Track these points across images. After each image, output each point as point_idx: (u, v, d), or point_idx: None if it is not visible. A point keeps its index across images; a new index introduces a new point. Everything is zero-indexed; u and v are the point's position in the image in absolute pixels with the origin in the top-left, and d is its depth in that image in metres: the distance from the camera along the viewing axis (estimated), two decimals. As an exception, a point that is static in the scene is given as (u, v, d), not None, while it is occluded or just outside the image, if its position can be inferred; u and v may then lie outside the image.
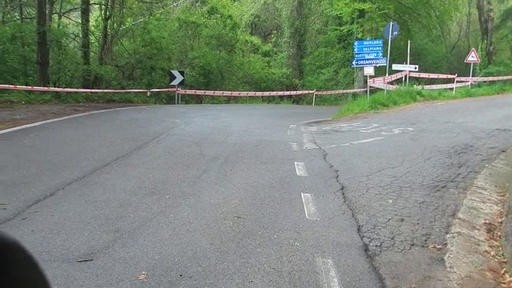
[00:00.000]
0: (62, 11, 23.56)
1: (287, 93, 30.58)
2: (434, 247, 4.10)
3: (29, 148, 7.78)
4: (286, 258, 3.79)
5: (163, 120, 12.90)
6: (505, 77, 27.75)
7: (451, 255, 3.90)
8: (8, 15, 21.90)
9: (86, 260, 3.61)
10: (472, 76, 26.36)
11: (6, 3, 20.87)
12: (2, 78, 16.92)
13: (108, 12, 22.00)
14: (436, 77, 27.77)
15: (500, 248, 4.15)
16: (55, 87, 18.41)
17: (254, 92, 28.89)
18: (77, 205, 4.92)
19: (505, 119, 12.62)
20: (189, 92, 24.76)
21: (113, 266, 3.55)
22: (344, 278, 3.48)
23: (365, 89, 22.51)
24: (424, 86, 24.27)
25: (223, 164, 7.30)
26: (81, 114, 13.02)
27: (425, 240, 4.25)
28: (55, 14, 22.47)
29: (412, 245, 4.15)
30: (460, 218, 4.80)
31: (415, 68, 23.93)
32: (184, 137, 9.90)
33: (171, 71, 23.49)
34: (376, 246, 4.10)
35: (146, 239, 4.08)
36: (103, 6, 22.76)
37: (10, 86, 15.63)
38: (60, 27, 22.11)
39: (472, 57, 24.76)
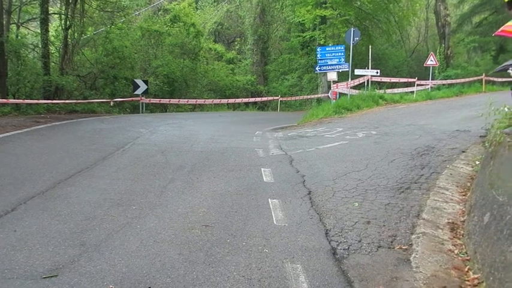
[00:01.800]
0: (20, 21, 23.03)
1: (252, 99, 30.71)
2: (400, 248, 4.17)
3: (-12, 162, 7.55)
4: (255, 265, 3.78)
5: (128, 130, 12.72)
6: (462, 80, 28.65)
7: (417, 256, 3.98)
8: (-37, 27, 21.24)
9: (51, 276, 3.51)
10: (431, 79, 27.11)
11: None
12: (-43, 91, 16.43)
13: (68, 22, 21.62)
14: (397, 81, 28.39)
15: (464, 246, 4.27)
16: (14, 99, 17.96)
17: (219, 100, 28.91)
18: (40, 220, 4.79)
19: (464, 120, 12.99)
20: (153, 100, 24.57)
21: (79, 281, 3.46)
22: (313, 283, 3.50)
23: (329, 94, 22.82)
24: (386, 90, 24.75)
25: (190, 173, 7.25)
26: (42, 126, 12.72)
27: (392, 242, 4.32)
28: (13, 25, 21.95)
29: (378, 247, 4.21)
30: (424, 219, 4.90)
31: (377, 72, 24.41)
32: (150, 147, 9.79)
33: (135, 80, 23.25)
34: (343, 249, 4.14)
35: (113, 252, 4.01)
36: (63, 16, 22.36)
37: (-33, 98, 15.16)
38: (19, 37, 21.56)
39: (431, 61, 25.45)
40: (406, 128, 12.25)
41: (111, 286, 3.39)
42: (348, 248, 4.18)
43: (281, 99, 29.54)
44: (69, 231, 4.48)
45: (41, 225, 4.62)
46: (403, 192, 5.96)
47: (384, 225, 4.74)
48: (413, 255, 4.01)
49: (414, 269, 3.73)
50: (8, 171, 6.92)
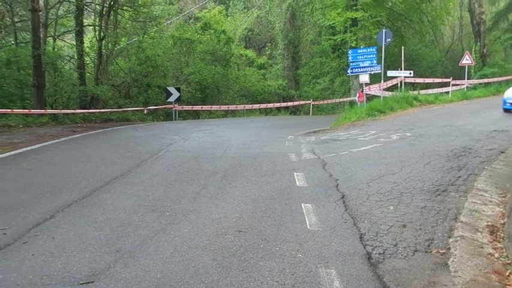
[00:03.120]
0: (56, 34, 23.72)
1: (284, 104, 30.67)
2: (437, 252, 4.07)
3: (28, 171, 7.76)
4: (289, 271, 3.75)
5: (161, 137, 12.89)
6: (500, 78, 27.89)
7: (455, 260, 3.87)
8: (3, 41, 22.03)
9: (88, 282, 3.57)
10: (467, 79, 26.48)
11: (1, 29, 20.99)
12: (-1, 102, 17.00)
13: (102, 33, 22.14)
14: (432, 81, 27.88)
15: (504, 250, 4.13)
16: (52, 109, 18.46)
17: (251, 105, 28.97)
18: (77, 227, 4.89)
19: (502, 120, 12.65)
20: (186, 107, 24.83)
21: (115, 287, 3.51)
22: (348, 288, 3.45)
23: (355, 98, 22.64)
24: (420, 91, 24.34)
25: (223, 179, 7.27)
26: (79, 135, 13.01)
27: (429, 246, 4.23)
28: (50, 37, 22.61)
29: (415, 251, 4.12)
30: (462, 222, 4.78)
31: (410, 73, 24.03)
32: (183, 153, 9.88)
33: (167, 87, 23.56)
34: (379, 253, 4.07)
35: (147, 258, 4.05)
36: (97, 28, 22.92)
37: (7, 110, 15.64)
38: (55, 49, 22.24)
39: (467, 60, 24.87)
40: (442, 129, 12.01)
41: (146, 292, 3.43)
42: (384, 252, 4.10)
43: (313, 103, 29.44)
44: (105, 238, 4.55)
45: (78, 232, 4.72)
46: (439, 194, 5.83)
47: (421, 229, 4.64)
48: (451, 259, 3.90)
49: (453, 274, 3.63)
50: (47, 180, 7.10)
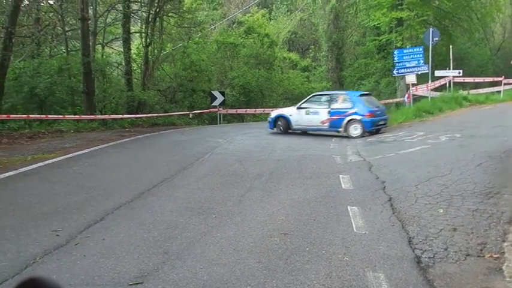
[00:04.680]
0: (104, 41, 24.46)
1: (328, 106, 30.36)
2: (491, 256, 3.92)
3: (79, 175, 8.01)
4: (335, 274, 3.71)
5: (207, 140, 13.04)
6: (555, 76, 26.61)
7: (510, 265, 3.72)
8: (55, 49, 22.92)
9: (137, 283, 3.64)
10: (520, 77, 25.45)
11: (53, 38, 21.83)
12: (51, 109, 17.65)
13: (148, 40, 22.64)
14: (482, 80, 26.96)
15: None
16: (101, 114, 19.01)
17: (295, 108, 28.85)
18: (126, 228, 5.00)
19: (559, 119, 12.09)
20: (230, 111, 24.99)
21: (163, 288, 3.57)
22: (397, 292, 3.37)
23: (404, 98, 22.16)
24: (470, 91, 23.59)
25: (268, 181, 7.28)
26: (127, 140, 13.34)
27: (481, 250, 4.08)
28: (98, 45, 23.36)
29: (467, 255, 3.99)
30: (517, 225, 4.59)
31: (459, 73, 23.33)
32: (228, 156, 9.96)
33: (212, 92, 23.78)
34: (429, 258, 3.96)
35: (194, 260, 4.09)
36: (143, 34, 23.47)
37: (59, 116, 16.24)
38: (104, 57, 22.93)
39: (519, 58, 23.93)
40: (493, 130, 11.60)
41: (193, 293, 3.46)
42: (434, 256, 3.99)
43: (358, 104, 29.01)
44: (153, 240, 4.64)
45: (127, 234, 4.82)
46: (492, 197, 5.62)
47: (472, 233, 4.49)
48: (506, 264, 3.75)
49: (507, 279, 3.49)
50: (97, 183, 7.31)
